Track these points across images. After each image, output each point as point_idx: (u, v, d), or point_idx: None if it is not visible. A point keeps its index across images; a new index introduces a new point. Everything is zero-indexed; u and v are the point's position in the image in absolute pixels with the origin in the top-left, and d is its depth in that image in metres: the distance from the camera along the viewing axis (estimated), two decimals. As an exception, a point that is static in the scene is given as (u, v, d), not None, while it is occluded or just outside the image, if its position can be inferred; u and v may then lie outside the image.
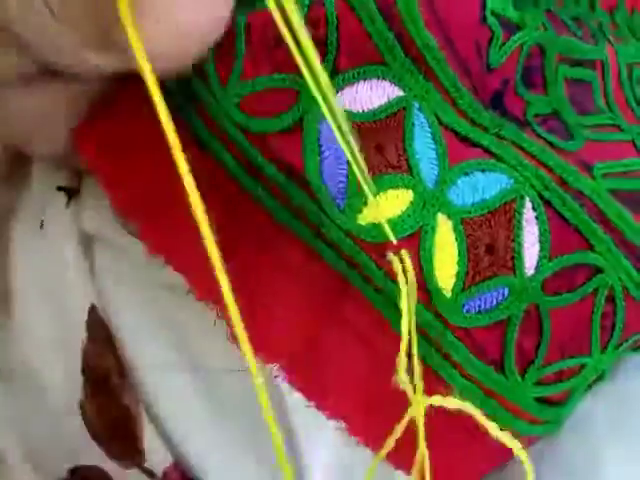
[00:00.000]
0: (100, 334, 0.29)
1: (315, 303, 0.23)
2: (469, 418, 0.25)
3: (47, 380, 0.29)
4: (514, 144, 0.23)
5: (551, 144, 0.24)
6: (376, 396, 0.24)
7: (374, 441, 0.24)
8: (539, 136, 0.24)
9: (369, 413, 0.24)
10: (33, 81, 0.24)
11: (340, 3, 0.22)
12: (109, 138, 0.25)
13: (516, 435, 0.26)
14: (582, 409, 0.28)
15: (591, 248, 0.23)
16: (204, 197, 0.22)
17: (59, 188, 0.29)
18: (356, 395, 0.24)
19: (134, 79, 0.24)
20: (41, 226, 0.29)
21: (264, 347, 0.22)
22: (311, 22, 0.22)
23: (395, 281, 0.22)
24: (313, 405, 0.23)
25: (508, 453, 0.28)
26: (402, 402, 0.24)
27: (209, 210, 0.22)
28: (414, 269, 0.22)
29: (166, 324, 0.28)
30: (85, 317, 0.28)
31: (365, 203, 0.22)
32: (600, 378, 0.27)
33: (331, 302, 0.23)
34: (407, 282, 0.21)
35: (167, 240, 0.23)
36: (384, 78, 0.22)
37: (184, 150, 0.22)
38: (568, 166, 0.23)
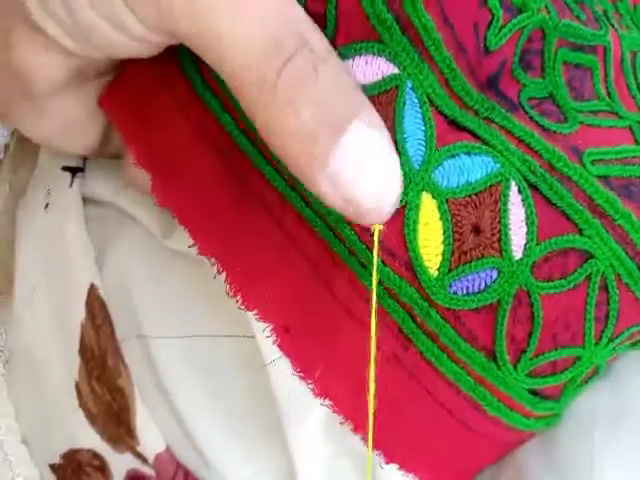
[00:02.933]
0: (98, 314, 0.29)
1: (306, 272, 0.23)
2: (465, 410, 0.25)
3: (45, 361, 0.30)
4: (502, 128, 0.23)
5: (542, 127, 0.23)
6: (365, 376, 0.24)
7: (360, 421, 0.24)
8: (531, 119, 0.23)
9: (357, 392, 0.23)
10: (66, 86, 0.25)
11: None
12: (130, 100, 0.26)
13: (510, 429, 0.26)
14: (582, 407, 0.28)
15: (580, 232, 0.23)
16: (207, 155, 0.23)
17: (64, 168, 0.30)
18: (344, 372, 0.23)
19: None
20: (45, 208, 0.30)
21: (260, 304, 0.23)
22: None
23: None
24: (299, 376, 0.23)
25: (504, 448, 0.28)
26: (391, 383, 0.24)
27: (211, 168, 0.23)
28: (398, 246, 0.22)
29: (166, 291, 0.28)
30: (84, 297, 0.29)
31: None
32: (595, 373, 0.27)
33: (322, 274, 0.23)
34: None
35: (175, 195, 0.24)
36: (380, 55, 0.22)
37: (190, 111, 0.24)
38: (556, 152, 0.23)
